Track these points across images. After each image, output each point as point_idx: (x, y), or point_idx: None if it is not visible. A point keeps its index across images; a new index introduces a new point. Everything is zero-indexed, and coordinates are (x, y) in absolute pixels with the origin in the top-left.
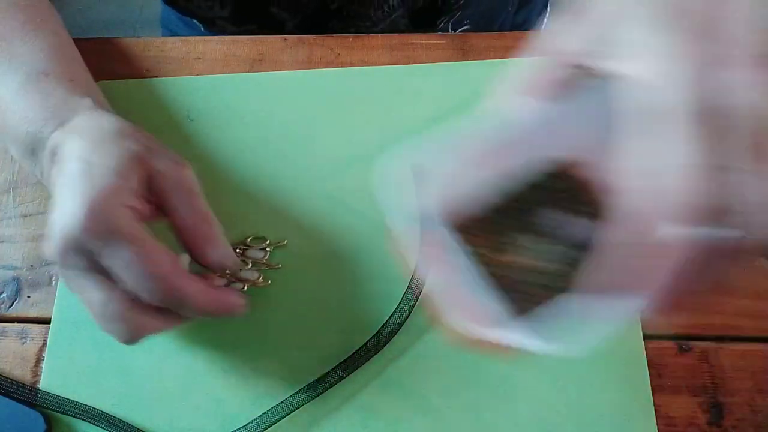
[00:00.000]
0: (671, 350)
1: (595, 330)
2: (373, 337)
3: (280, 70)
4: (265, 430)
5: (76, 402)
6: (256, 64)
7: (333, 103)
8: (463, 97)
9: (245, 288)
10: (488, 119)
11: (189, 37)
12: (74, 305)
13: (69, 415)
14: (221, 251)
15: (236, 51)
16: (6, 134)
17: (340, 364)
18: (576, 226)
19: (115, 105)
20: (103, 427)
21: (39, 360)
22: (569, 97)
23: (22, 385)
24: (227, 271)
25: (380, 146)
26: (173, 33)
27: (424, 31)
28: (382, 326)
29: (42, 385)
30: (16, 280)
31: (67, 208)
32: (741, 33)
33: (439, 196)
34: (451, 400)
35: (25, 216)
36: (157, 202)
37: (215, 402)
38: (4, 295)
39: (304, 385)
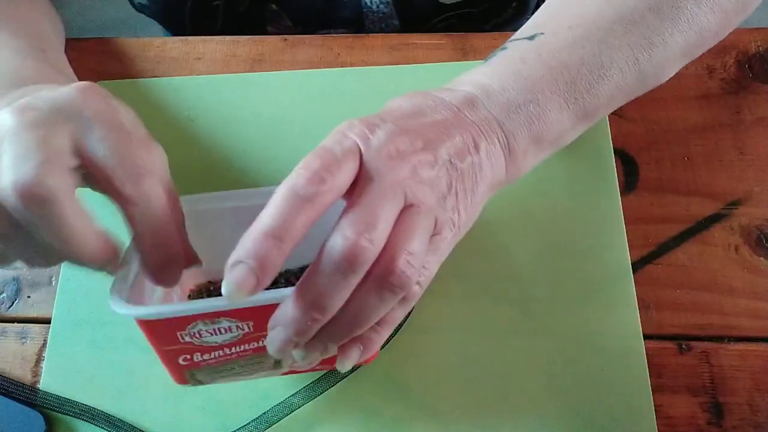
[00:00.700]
0: (671, 350)
1: None
2: None
3: (280, 70)
4: (265, 430)
5: (76, 402)
6: (256, 64)
7: (333, 103)
8: None
9: None
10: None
11: (189, 37)
12: (74, 305)
13: (69, 415)
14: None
15: (236, 51)
16: None
17: None
18: None
19: None
20: (103, 427)
21: (39, 360)
22: None
23: (22, 385)
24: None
25: None
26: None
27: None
28: None
29: (42, 385)
30: (16, 280)
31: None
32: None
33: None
34: (451, 400)
35: None
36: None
37: (215, 402)
38: (4, 295)
39: (304, 385)
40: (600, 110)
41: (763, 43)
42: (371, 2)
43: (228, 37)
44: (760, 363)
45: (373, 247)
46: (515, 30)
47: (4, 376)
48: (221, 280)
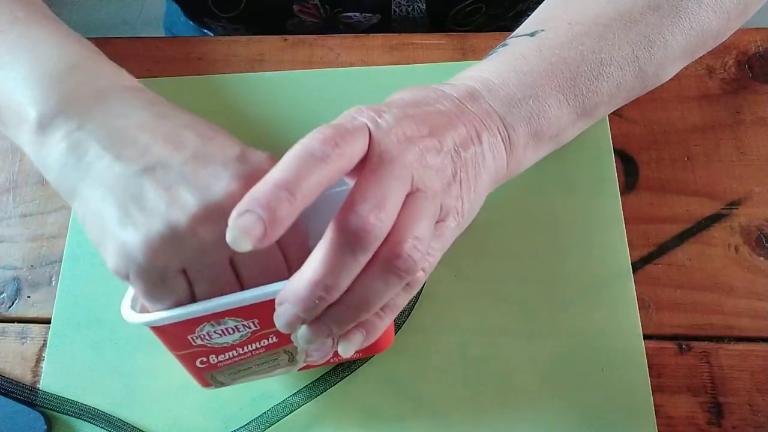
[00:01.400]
0: (671, 350)
1: None
2: None
3: (280, 70)
4: (265, 430)
5: (76, 402)
6: (256, 64)
7: (333, 103)
8: None
9: None
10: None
11: (189, 37)
12: (74, 305)
13: (69, 415)
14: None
15: (236, 51)
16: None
17: (341, 364)
18: None
19: None
20: (103, 427)
21: (39, 360)
22: None
23: (22, 385)
24: None
25: None
26: (174, 34)
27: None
28: None
29: (42, 385)
30: (16, 280)
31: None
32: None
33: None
34: (451, 400)
35: (25, 216)
36: None
37: (215, 402)
38: (4, 295)
39: (304, 385)
40: (600, 108)
41: (763, 43)
42: None
43: (228, 38)
44: (760, 363)
45: (382, 225)
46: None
47: (4, 376)
48: None
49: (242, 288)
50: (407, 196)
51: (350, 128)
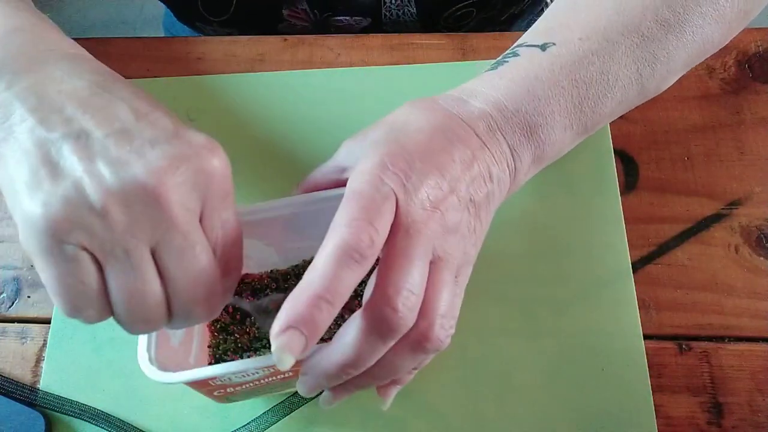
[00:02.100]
0: (671, 350)
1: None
2: None
3: (280, 70)
4: (265, 430)
5: (76, 402)
6: (256, 64)
7: (333, 103)
8: None
9: None
10: None
11: (189, 37)
12: None
13: (69, 414)
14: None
15: (236, 51)
16: None
17: None
18: None
19: None
20: (103, 427)
21: (39, 360)
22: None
23: (22, 385)
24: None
25: None
26: (174, 34)
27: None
28: None
29: (42, 385)
30: (16, 280)
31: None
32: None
33: None
34: (451, 400)
35: None
36: None
37: (215, 402)
38: (4, 295)
39: None
40: (599, 125)
41: (763, 43)
42: None
43: (228, 38)
44: (760, 363)
45: (412, 314)
46: (529, 24)
47: (4, 376)
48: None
49: (165, 285)
50: (430, 264)
51: (380, 205)
